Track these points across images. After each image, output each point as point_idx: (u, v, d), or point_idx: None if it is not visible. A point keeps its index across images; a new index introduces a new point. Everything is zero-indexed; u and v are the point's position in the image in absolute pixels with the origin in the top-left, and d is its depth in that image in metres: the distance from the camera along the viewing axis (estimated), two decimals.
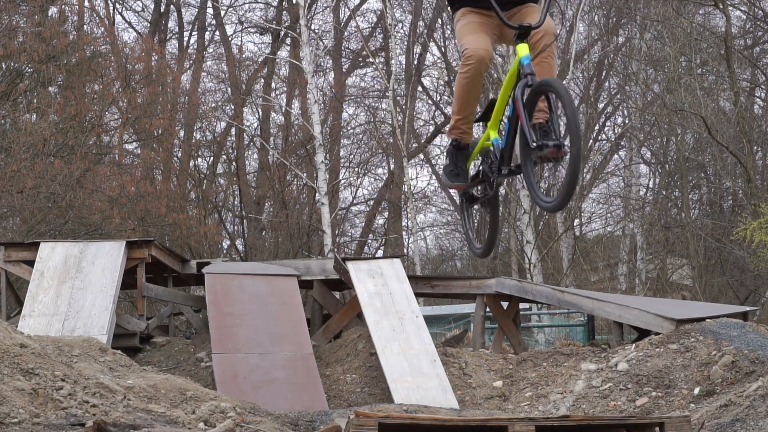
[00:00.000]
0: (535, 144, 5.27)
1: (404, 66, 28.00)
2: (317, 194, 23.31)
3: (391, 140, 27.39)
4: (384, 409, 9.53)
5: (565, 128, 5.35)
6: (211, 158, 27.60)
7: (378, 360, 11.72)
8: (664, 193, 26.48)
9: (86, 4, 25.40)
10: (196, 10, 30.72)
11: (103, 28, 25.96)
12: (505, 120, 5.76)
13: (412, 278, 13.83)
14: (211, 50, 30.98)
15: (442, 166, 6.19)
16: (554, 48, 5.75)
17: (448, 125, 6.12)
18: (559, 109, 5.26)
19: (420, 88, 30.28)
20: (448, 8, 5.78)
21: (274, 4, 30.80)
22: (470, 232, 6.37)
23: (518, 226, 24.29)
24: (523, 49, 5.38)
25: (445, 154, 6.10)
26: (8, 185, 18.21)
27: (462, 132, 5.99)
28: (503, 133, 5.76)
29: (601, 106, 29.28)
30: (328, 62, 29.95)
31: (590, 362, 11.54)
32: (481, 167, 6.08)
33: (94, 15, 26.41)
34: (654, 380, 10.55)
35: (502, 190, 6.45)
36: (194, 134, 27.50)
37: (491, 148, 5.90)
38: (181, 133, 27.05)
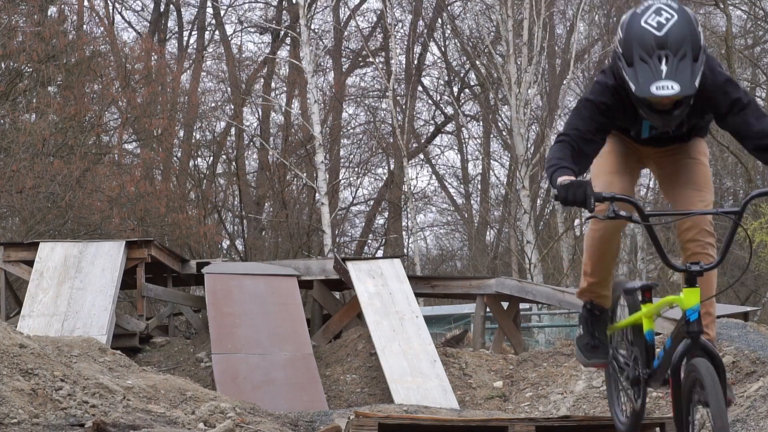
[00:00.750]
0: None
1: (404, 66, 28.00)
2: (317, 194, 23.30)
3: (391, 140, 27.38)
4: (384, 409, 9.52)
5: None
6: (211, 158, 27.59)
7: (378, 360, 11.71)
8: None
9: (86, 3, 25.42)
10: (196, 9, 30.74)
11: (102, 28, 25.97)
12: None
13: (412, 278, 13.82)
14: (210, 50, 30.99)
15: (575, 338, 5.17)
16: (709, 223, 4.71)
17: (579, 286, 5.10)
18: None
19: (420, 88, 30.29)
20: None
21: (274, 3, 30.81)
22: (615, 407, 5.14)
23: (518, 226, 24.29)
24: (690, 297, 4.30)
25: (578, 321, 5.13)
26: (8, 185, 18.20)
27: (597, 296, 4.99)
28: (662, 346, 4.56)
29: None
30: (328, 62, 29.97)
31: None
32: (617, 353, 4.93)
33: (94, 15, 26.42)
34: None
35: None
36: (194, 134, 27.50)
37: (635, 338, 4.71)
38: (181, 133, 27.05)
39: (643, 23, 4.34)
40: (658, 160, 4.95)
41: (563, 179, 4.26)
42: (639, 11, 4.42)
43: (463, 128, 29.40)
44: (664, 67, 4.25)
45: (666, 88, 4.24)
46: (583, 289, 5.00)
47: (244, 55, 29.94)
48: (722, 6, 20.62)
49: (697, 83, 4.32)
